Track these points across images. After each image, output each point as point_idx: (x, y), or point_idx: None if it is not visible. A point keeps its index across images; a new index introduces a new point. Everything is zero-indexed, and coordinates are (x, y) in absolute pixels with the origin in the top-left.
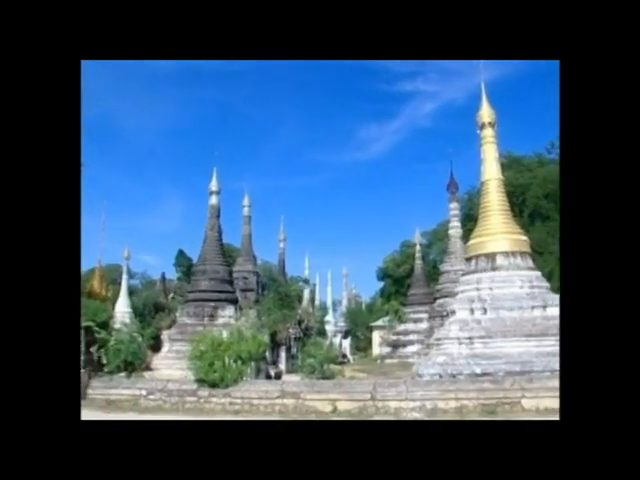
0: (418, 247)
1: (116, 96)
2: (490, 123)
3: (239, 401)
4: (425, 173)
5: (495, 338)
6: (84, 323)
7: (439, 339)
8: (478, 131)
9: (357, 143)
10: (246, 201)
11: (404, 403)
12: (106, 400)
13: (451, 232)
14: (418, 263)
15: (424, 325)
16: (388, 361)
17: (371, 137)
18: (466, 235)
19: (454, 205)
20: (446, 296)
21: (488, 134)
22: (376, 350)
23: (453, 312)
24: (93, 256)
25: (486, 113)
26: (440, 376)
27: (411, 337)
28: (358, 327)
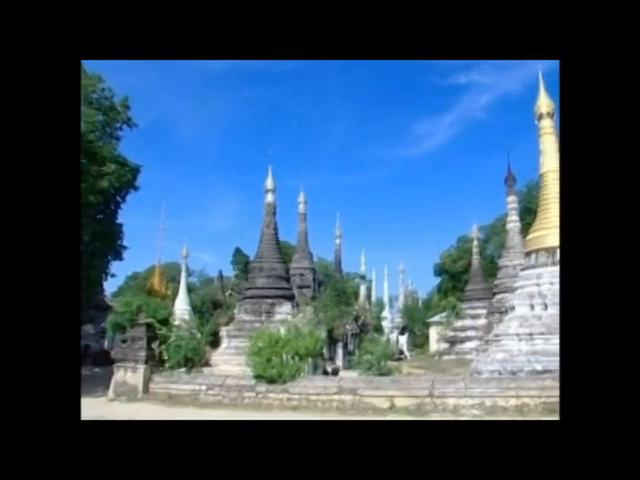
0: (475, 242)
1: (170, 99)
2: (549, 114)
3: (297, 397)
4: (482, 166)
5: (556, 334)
6: (145, 320)
7: (498, 335)
8: (536, 122)
9: (412, 138)
10: (301, 198)
11: (463, 400)
12: (167, 394)
13: (509, 226)
14: (475, 258)
15: (482, 321)
16: (445, 357)
17: (425, 131)
18: (525, 229)
19: (512, 198)
20: (505, 291)
21: (547, 125)
22: (433, 346)
23: (512, 308)
24: (153, 255)
25: (544, 103)
26: (499, 373)
27: (469, 333)
28: (415, 323)
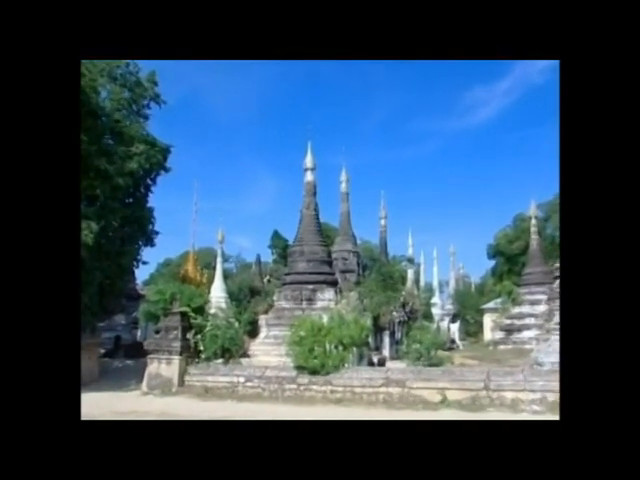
0: (533, 221)
1: (200, 74)
2: None
3: (341, 389)
4: (540, 138)
5: None
6: (179, 309)
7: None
8: None
9: (463, 108)
10: (343, 176)
11: (522, 394)
12: (204, 387)
13: None
14: (534, 238)
15: (542, 307)
16: (502, 347)
17: (478, 101)
18: None
19: None
20: None
21: None
22: (488, 335)
23: None
24: (186, 240)
25: None
26: None
27: (527, 321)
28: (467, 310)
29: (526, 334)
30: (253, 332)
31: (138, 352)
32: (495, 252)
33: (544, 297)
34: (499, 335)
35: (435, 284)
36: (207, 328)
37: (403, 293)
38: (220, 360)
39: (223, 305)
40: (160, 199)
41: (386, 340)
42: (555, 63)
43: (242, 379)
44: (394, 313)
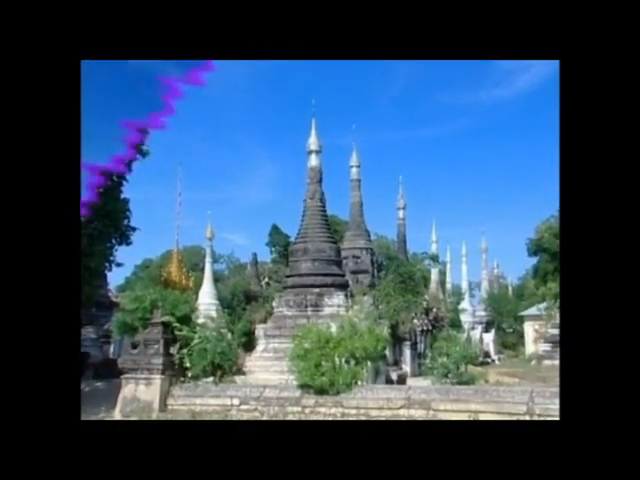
0: None
1: None
2: None
3: (354, 412)
4: None
5: None
6: (161, 318)
7: None
8: None
9: (499, 75)
10: (354, 160)
11: None
12: (190, 412)
13: None
14: None
15: None
16: (547, 362)
17: (518, 66)
18: None
19: None
20: None
21: None
22: (530, 348)
23: None
24: (169, 237)
25: None
26: None
27: None
28: (504, 317)
29: None
30: (249, 345)
31: (110, 371)
32: (537, 248)
33: None
34: (544, 347)
35: (464, 286)
36: (194, 341)
37: (426, 297)
38: (210, 379)
39: (213, 313)
40: (136, 189)
41: (406, 353)
42: None
43: (236, 401)
44: (415, 321)
